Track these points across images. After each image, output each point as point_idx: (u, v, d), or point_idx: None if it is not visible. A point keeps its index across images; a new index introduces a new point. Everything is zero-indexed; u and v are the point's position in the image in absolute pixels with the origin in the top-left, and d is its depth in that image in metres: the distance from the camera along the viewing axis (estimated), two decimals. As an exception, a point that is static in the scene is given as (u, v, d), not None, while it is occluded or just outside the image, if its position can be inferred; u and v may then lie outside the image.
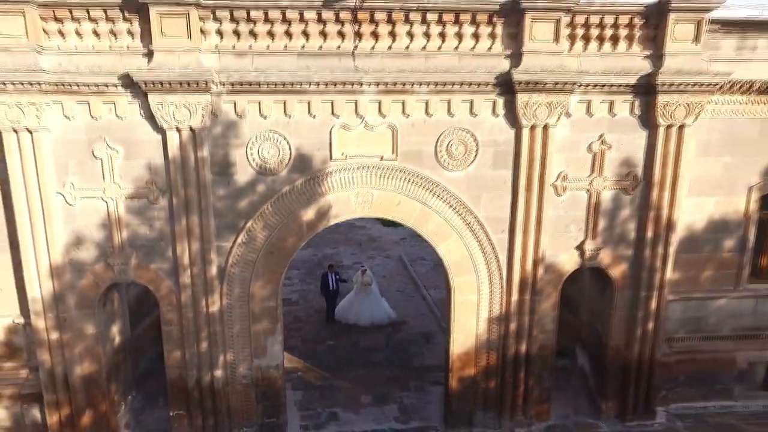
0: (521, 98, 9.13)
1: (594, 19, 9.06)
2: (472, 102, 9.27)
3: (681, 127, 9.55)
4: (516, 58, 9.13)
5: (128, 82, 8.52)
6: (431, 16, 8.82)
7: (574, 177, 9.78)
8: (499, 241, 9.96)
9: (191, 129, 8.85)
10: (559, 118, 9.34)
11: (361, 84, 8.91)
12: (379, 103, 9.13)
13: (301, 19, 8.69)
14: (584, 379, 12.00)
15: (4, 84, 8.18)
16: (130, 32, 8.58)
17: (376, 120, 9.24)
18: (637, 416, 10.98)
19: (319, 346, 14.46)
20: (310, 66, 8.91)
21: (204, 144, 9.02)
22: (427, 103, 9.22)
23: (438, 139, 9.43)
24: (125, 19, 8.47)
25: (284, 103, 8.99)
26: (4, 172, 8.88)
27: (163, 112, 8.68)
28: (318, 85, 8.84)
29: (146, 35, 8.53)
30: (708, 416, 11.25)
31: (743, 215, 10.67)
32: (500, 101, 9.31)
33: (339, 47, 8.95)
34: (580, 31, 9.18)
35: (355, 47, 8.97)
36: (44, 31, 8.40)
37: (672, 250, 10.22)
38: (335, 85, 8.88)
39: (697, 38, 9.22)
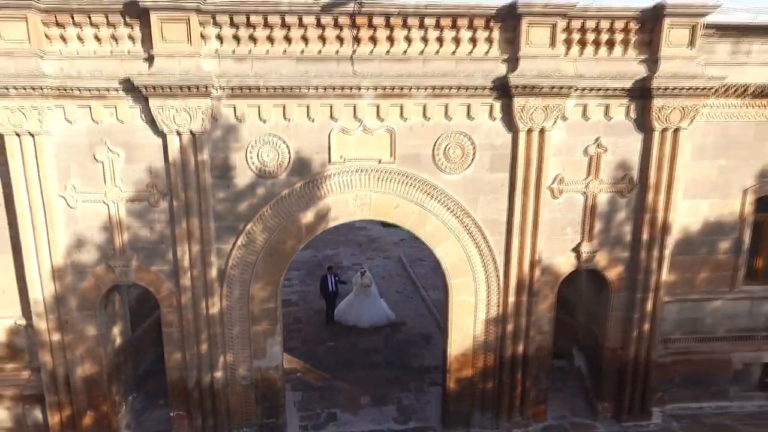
0: (518, 102, 9.22)
1: (590, 24, 9.16)
2: (469, 106, 9.37)
3: (676, 131, 9.64)
4: (513, 62, 9.22)
5: (129, 87, 8.62)
6: (429, 21, 8.92)
7: (571, 180, 9.88)
8: (496, 244, 10.06)
9: (191, 133, 8.95)
10: (555, 121, 9.43)
11: (360, 88, 9.00)
12: (378, 107, 9.23)
13: (300, 24, 8.79)
14: (581, 380, 12.09)
15: (7, 88, 8.28)
16: (131, 37, 8.68)
17: (374, 124, 9.34)
18: (633, 417, 11.07)
19: (318, 347, 14.55)
20: (309, 70, 9.01)
21: (204, 147, 9.12)
22: (424, 107, 9.32)
23: (436, 142, 9.52)
24: (126, 24, 8.57)
25: (283, 107, 9.09)
26: (6, 176, 8.99)
27: (164, 116, 8.78)
28: (317, 89, 8.94)
29: (147, 40, 8.63)
30: (704, 417, 11.34)
31: (738, 217, 10.76)
32: (497, 105, 9.41)
33: (338, 52, 9.05)
34: (576, 36, 9.27)
35: (354, 52, 9.07)
36: (46, 36, 8.51)
37: (667, 252, 10.31)
38: (334, 89, 8.97)
39: (691, 43, 9.31)
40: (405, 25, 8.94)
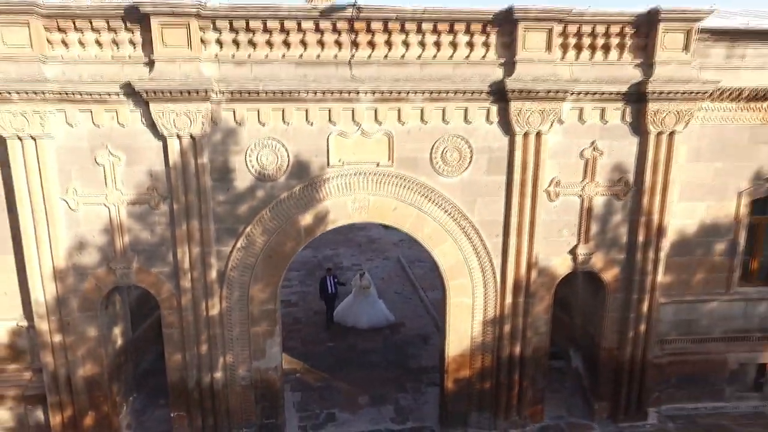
0: (514, 106, 9.32)
1: (586, 29, 9.25)
2: (466, 110, 9.46)
3: (671, 134, 9.74)
4: (509, 66, 9.32)
5: (130, 91, 8.71)
6: (426, 26, 9.02)
7: (567, 182, 9.98)
8: (493, 246, 10.16)
9: (191, 136, 9.04)
10: (551, 125, 9.53)
11: (358, 92, 9.10)
12: (376, 110, 9.32)
13: (299, 29, 8.88)
14: (578, 380, 12.18)
15: (9, 93, 8.36)
16: (131, 42, 8.77)
17: (372, 127, 9.44)
18: (629, 417, 11.17)
19: (318, 348, 14.66)
20: (307, 75, 9.10)
21: (204, 151, 9.21)
22: (422, 111, 9.41)
23: (433, 145, 9.62)
24: (127, 29, 8.66)
25: (282, 110, 9.18)
26: (8, 179, 9.08)
27: (164, 120, 8.87)
28: (315, 93, 9.03)
29: (147, 45, 8.72)
30: (699, 417, 11.44)
31: (734, 219, 10.85)
32: (494, 109, 9.50)
33: (336, 56, 9.14)
34: (572, 40, 9.37)
35: (352, 56, 9.16)
36: (48, 41, 8.59)
37: (663, 254, 10.41)
38: (332, 93, 9.07)
39: (686, 47, 9.41)
40: (403, 29, 9.03)
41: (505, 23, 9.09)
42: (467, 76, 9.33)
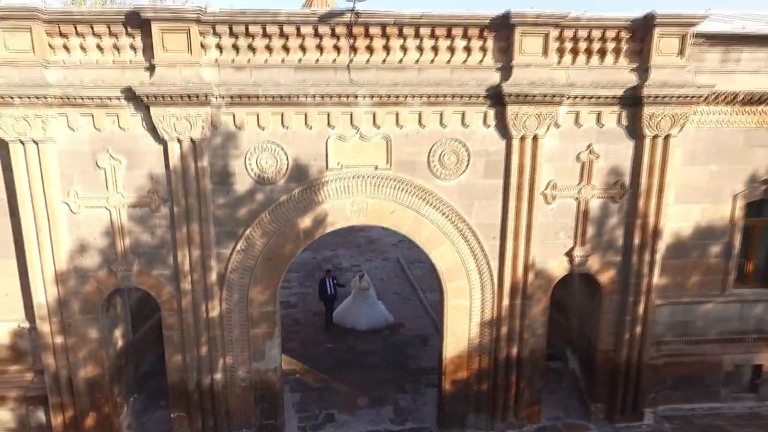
0: (511, 110, 9.42)
1: (582, 33, 9.35)
2: (463, 113, 9.56)
3: (666, 138, 9.83)
4: (506, 71, 9.41)
5: (131, 95, 8.81)
6: (424, 31, 9.11)
7: (563, 185, 10.07)
8: (490, 248, 10.25)
9: (192, 140, 9.14)
10: (548, 128, 9.63)
11: (356, 96, 9.19)
12: (374, 114, 9.42)
13: (298, 34, 8.98)
14: (575, 381, 12.29)
15: (12, 98, 8.48)
16: (132, 47, 8.87)
17: (370, 131, 9.53)
18: (625, 418, 11.26)
19: (317, 349, 14.74)
20: (306, 79, 9.20)
21: (204, 154, 9.31)
22: (420, 115, 9.51)
23: (431, 149, 9.72)
24: (128, 34, 8.77)
25: (282, 114, 9.28)
26: (11, 182, 9.19)
27: (165, 124, 8.97)
28: (314, 97, 9.13)
29: (148, 50, 8.83)
30: (695, 418, 11.53)
31: (729, 222, 10.94)
32: (491, 113, 9.60)
33: (335, 61, 9.24)
34: (568, 45, 9.46)
35: (351, 61, 9.26)
36: (50, 45, 8.70)
37: (658, 256, 10.50)
38: (331, 97, 9.16)
39: (681, 52, 9.50)
40: (401, 34, 9.13)
41: (502, 28, 9.19)
42: (464, 80, 9.43)
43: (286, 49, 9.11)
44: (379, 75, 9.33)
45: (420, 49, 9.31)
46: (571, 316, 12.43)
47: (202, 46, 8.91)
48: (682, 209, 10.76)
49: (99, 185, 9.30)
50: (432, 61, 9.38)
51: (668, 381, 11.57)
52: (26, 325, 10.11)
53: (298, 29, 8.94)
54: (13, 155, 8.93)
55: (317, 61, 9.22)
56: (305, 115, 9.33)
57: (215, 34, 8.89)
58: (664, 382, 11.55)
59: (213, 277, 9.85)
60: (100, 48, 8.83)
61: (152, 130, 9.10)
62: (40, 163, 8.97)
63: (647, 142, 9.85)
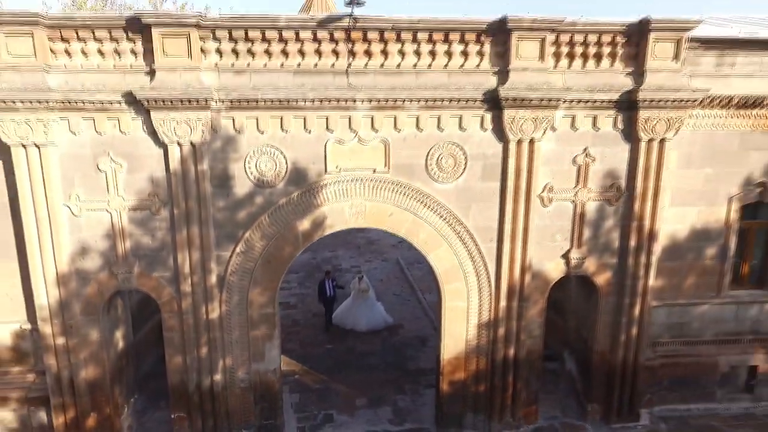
0: (508, 114, 9.51)
1: (578, 38, 9.44)
2: (461, 117, 9.65)
3: (662, 141, 9.93)
4: (503, 75, 9.51)
5: (131, 100, 8.90)
6: (422, 35, 9.21)
7: (560, 188, 10.16)
8: (487, 250, 10.35)
9: (192, 144, 9.24)
10: (544, 132, 9.72)
11: (355, 100, 9.29)
12: (372, 118, 9.52)
13: (297, 39, 9.08)
14: (572, 382, 12.38)
15: (14, 102, 8.57)
16: (133, 51, 8.96)
17: (369, 135, 9.63)
18: (621, 418, 11.36)
19: (316, 350, 14.83)
20: (305, 83, 9.30)
21: (204, 158, 9.41)
22: (417, 119, 9.60)
23: (428, 152, 9.81)
24: (129, 39, 8.85)
25: (281, 118, 9.38)
26: (12, 185, 9.29)
27: (165, 128, 9.07)
28: (313, 101, 9.22)
29: (149, 54, 8.92)
30: (691, 418, 11.63)
31: (724, 224, 11.03)
32: (488, 116, 9.70)
33: (333, 65, 9.33)
34: (564, 49, 9.55)
35: (349, 65, 9.35)
36: (51, 50, 8.78)
37: (654, 258, 10.60)
38: (330, 101, 9.26)
39: (676, 56, 9.59)
40: (399, 39, 9.22)
41: (499, 33, 9.28)
42: (462, 84, 9.52)
43: (285, 53, 9.20)
44: (377, 79, 9.42)
45: (418, 53, 9.40)
46: (569, 317, 12.53)
47: (202, 50, 9.00)
48: (678, 212, 10.85)
49: (100, 188, 9.40)
50: (430, 65, 9.47)
51: (664, 382, 11.67)
52: (28, 326, 10.21)
53: (296, 34, 9.04)
54: (15, 159, 9.02)
55: (316, 65, 9.31)
56: (304, 119, 9.42)
57: (215, 38, 8.98)
58: (660, 382, 11.65)
59: (213, 279, 9.95)
60: (101, 53, 8.92)
61: (153, 133, 9.20)
62: (41, 166, 9.06)
63: (643, 145, 9.94)
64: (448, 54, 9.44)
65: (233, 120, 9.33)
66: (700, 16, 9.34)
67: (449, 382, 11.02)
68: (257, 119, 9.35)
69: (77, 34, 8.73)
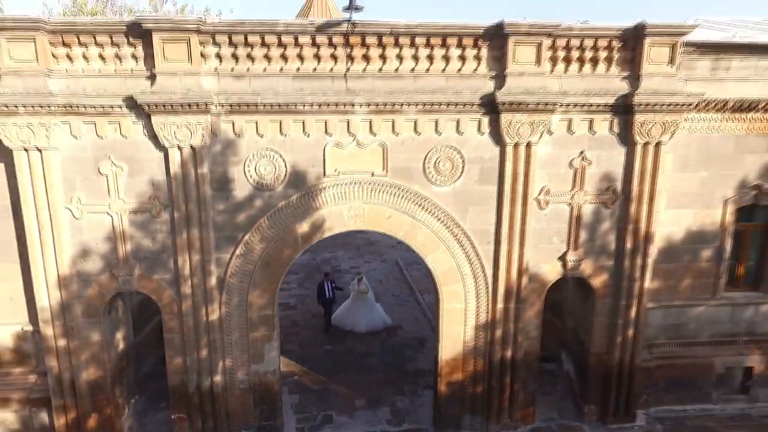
0: (505, 118, 9.60)
1: (574, 42, 9.53)
2: (458, 121, 9.75)
3: (657, 144, 10.02)
4: (500, 79, 9.60)
5: (132, 104, 9.00)
6: (419, 40, 9.30)
7: (557, 191, 10.26)
8: (485, 253, 10.44)
9: (192, 147, 9.33)
10: (541, 136, 9.81)
11: (353, 104, 9.38)
12: (370, 122, 9.61)
13: (296, 43, 9.17)
14: (569, 383, 12.47)
15: (16, 106, 8.66)
16: (134, 56, 9.05)
17: (367, 138, 9.72)
18: (618, 419, 11.45)
19: (315, 351, 14.92)
20: (304, 87, 9.39)
21: (204, 161, 9.50)
22: (415, 122, 9.70)
23: (426, 156, 9.90)
24: (129, 43, 8.95)
25: (280, 122, 9.47)
26: (14, 189, 9.38)
27: (166, 132, 9.16)
28: (312, 105, 9.32)
29: (149, 59, 9.01)
30: (687, 419, 11.72)
31: (720, 227, 11.12)
32: (485, 120, 9.79)
33: (332, 69, 9.42)
34: (561, 54, 9.64)
35: (348, 69, 9.44)
36: (53, 55, 8.88)
37: (650, 260, 10.68)
38: (328, 105, 9.35)
39: (672, 60, 9.69)
40: (397, 43, 9.32)
41: (496, 37, 9.38)
42: (459, 88, 9.61)
43: (284, 58, 9.29)
44: (376, 83, 9.52)
45: (416, 58, 9.49)
46: (566, 318, 12.62)
47: (202, 55, 9.09)
48: (674, 214, 10.95)
49: (101, 191, 9.49)
50: (427, 69, 9.56)
51: (660, 383, 11.76)
52: (30, 328, 10.29)
53: (296, 39, 9.13)
54: (18, 162, 9.11)
55: (315, 69, 9.40)
56: (303, 122, 9.51)
57: (215, 43, 9.07)
58: (656, 384, 11.74)
59: (213, 281, 10.04)
60: (102, 57, 9.01)
61: (153, 137, 9.29)
62: (43, 170, 9.16)
63: (638, 148, 10.04)
64: (446, 58, 9.53)
65: (233, 124, 9.43)
66: (695, 20, 9.46)
67: (447, 383, 11.11)
68: (257, 123, 9.45)
69: (79, 39, 8.82)
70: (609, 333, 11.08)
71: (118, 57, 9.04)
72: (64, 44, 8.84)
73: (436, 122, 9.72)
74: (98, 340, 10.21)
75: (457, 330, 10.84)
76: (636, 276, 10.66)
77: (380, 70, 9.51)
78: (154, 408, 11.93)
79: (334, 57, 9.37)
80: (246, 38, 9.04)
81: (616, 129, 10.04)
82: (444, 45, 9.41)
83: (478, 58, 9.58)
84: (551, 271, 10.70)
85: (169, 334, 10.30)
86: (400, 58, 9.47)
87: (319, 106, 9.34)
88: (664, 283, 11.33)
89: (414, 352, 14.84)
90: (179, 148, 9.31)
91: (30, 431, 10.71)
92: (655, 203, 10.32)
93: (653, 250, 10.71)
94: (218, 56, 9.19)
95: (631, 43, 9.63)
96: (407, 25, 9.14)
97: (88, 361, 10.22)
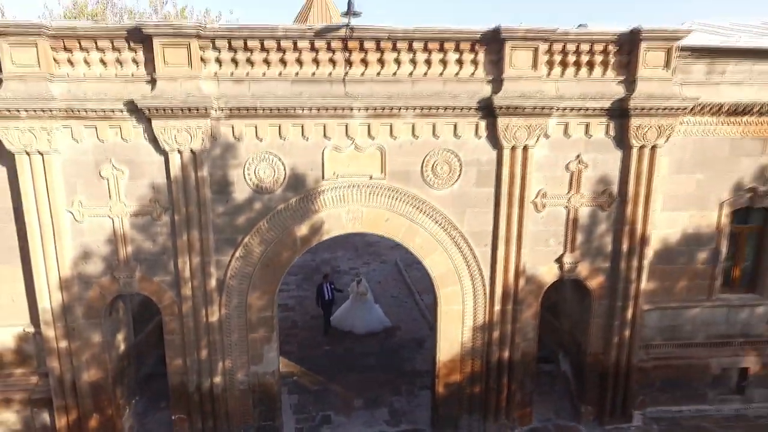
0: (502, 121, 9.70)
1: (570, 47, 9.61)
2: (455, 125, 9.84)
3: (653, 148, 10.12)
4: (497, 83, 9.69)
5: (133, 108, 9.09)
6: (417, 44, 9.39)
7: (553, 194, 10.35)
8: (482, 255, 10.53)
9: (192, 151, 9.42)
10: (538, 139, 9.91)
11: (352, 108, 9.47)
12: (369, 126, 9.71)
13: (295, 48, 9.27)
14: (567, 383, 12.56)
15: (18, 111, 8.75)
16: (134, 61, 9.15)
17: (365, 142, 9.81)
18: (614, 419, 11.55)
19: (314, 352, 15.01)
20: (303, 92, 9.48)
21: (204, 165, 9.59)
22: (413, 126, 9.79)
23: (424, 159, 10.00)
24: (130, 48, 9.04)
25: (279, 126, 9.57)
26: (16, 192, 9.47)
27: (166, 136, 9.25)
28: (311, 109, 9.41)
29: (150, 63, 9.11)
30: (683, 419, 11.82)
31: (715, 229, 11.21)
32: (482, 124, 9.88)
33: (330, 74, 9.52)
34: (557, 58, 9.73)
35: (346, 74, 9.54)
36: (54, 60, 8.97)
37: (646, 262, 10.78)
38: (327, 109, 9.44)
39: (667, 64, 9.78)
40: (394, 48, 9.41)
41: (493, 42, 9.47)
42: (457, 92, 9.70)
43: (283, 62, 9.39)
44: (374, 88, 9.61)
45: (413, 62, 9.58)
46: (563, 319, 12.71)
47: (202, 60, 9.18)
48: (670, 216, 11.04)
49: (102, 194, 9.59)
50: (425, 74, 9.66)
51: (657, 383, 11.85)
52: (31, 329, 10.38)
53: (295, 43, 9.22)
54: (19, 166, 9.21)
55: (314, 74, 9.50)
56: (302, 126, 9.61)
57: (215, 48, 9.17)
58: (652, 384, 11.84)
59: (212, 283, 10.13)
60: (103, 62, 9.11)
61: (153, 141, 9.39)
62: (45, 173, 9.25)
63: (634, 152, 10.13)
64: (444, 63, 9.62)
65: (232, 128, 9.52)
66: (690, 24, 9.54)
67: (445, 384, 11.21)
68: (256, 127, 9.54)
69: (80, 43, 8.92)
70: (605, 334, 11.17)
71: (119, 61, 9.14)
72: (66, 49, 8.94)
73: (434, 126, 9.82)
74: (99, 341, 10.31)
75: (455, 331, 10.94)
76: (632, 278, 10.75)
77: (378, 74, 9.60)
78: (155, 408, 12.03)
79: (332, 61, 9.47)
80: (245, 43, 9.13)
81: (612, 132, 10.13)
82: (441, 50, 9.50)
83: (475, 62, 9.67)
84: (548, 273, 10.79)
85: (169, 335, 10.40)
86: (398, 62, 9.57)
87: (318, 110, 9.43)
88: (660, 284, 11.42)
89: (412, 352, 14.94)
90: (179, 151, 9.41)
91: None
92: (651, 206, 10.41)
93: (649, 252, 10.78)
94: (218, 61, 9.29)
95: (626, 48, 9.71)
96: (405, 30, 9.23)
97: (89, 362, 10.32)
